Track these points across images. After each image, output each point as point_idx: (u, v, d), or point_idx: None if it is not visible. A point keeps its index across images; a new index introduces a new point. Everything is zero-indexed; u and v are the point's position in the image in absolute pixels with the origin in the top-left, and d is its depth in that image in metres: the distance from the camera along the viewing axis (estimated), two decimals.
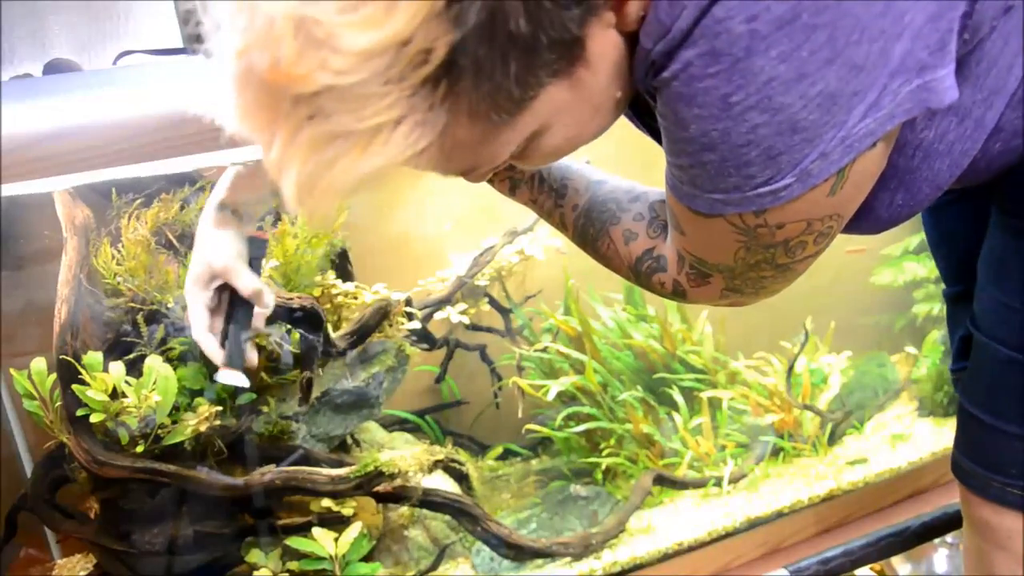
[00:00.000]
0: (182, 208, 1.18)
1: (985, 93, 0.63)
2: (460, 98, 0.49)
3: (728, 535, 1.46)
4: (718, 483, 1.56)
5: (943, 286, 1.02)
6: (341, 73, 0.45)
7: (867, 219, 0.68)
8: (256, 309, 0.94)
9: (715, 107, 0.52)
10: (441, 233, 1.54)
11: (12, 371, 1.11)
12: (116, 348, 1.14)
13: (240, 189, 0.92)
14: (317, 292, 1.27)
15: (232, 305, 0.93)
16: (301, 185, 0.49)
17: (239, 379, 0.92)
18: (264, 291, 0.92)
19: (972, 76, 0.61)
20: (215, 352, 0.92)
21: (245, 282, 0.90)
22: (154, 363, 1.09)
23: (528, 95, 0.52)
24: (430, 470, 1.31)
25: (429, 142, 0.49)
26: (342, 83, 0.45)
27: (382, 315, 1.31)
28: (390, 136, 0.47)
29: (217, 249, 0.90)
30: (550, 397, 1.55)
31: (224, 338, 0.92)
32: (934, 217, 0.98)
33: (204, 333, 0.91)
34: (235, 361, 0.92)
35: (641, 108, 0.74)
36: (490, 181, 0.83)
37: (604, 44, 0.54)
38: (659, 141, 0.76)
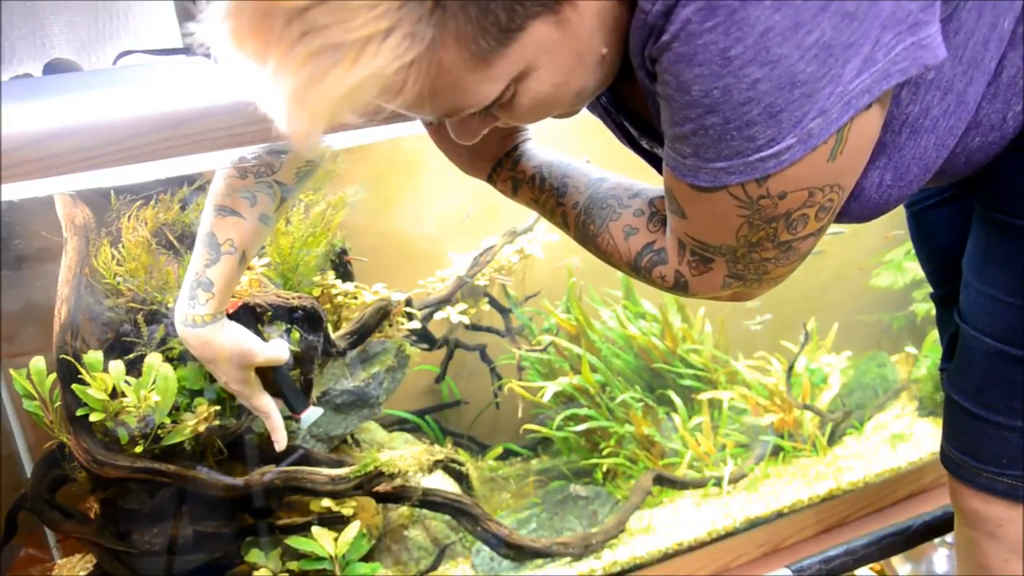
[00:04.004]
0: (182, 208, 1.18)
1: (965, 66, 0.64)
2: (448, 16, 0.51)
3: (728, 535, 1.46)
4: (718, 483, 1.56)
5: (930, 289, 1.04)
6: None
7: (857, 201, 0.68)
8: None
9: (715, 63, 0.53)
10: (441, 233, 1.54)
11: (12, 371, 1.11)
12: (116, 348, 1.14)
13: (219, 294, 0.97)
14: (317, 292, 1.27)
15: (271, 376, 1.05)
16: (293, 97, 0.50)
17: (315, 412, 1.07)
18: (279, 352, 1.03)
19: (951, 47, 0.61)
20: (290, 411, 1.06)
21: (270, 357, 1.02)
22: (154, 363, 1.09)
23: (515, 24, 0.54)
24: (430, 470, 1.31)
25: (417, 54, 0.51)
26: None
27: (382, 315, 1.31)
28: (379, 47, 0.49)
29: (235, 350, 0.98)
30: (546, 398, 1.55)
31: (279, 395, 1.05)
32: (917, 221, 1.00)
33: (275, 409, 1.04)
34: (301, 404, 1.06)
35: (623, 111, 0.74)
36: (492, 182, 0.83)
37: None
38: (639, 152, 0.77)
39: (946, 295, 0.96)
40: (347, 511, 1.24)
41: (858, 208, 0.69)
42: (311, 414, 1.06)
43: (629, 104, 0.74)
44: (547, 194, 0.80)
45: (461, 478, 1.41)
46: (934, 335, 1.78)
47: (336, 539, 1.21)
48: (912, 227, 1.01)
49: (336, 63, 0.49)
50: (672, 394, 1.63)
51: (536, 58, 0.57)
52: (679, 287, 0.72)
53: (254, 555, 1.21)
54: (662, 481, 1.53)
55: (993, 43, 0.64)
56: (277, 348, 1.03)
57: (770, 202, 0.60)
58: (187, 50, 1.12)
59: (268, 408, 1.03)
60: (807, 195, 0.60)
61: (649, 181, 0.76)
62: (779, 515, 1.50)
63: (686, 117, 0.56)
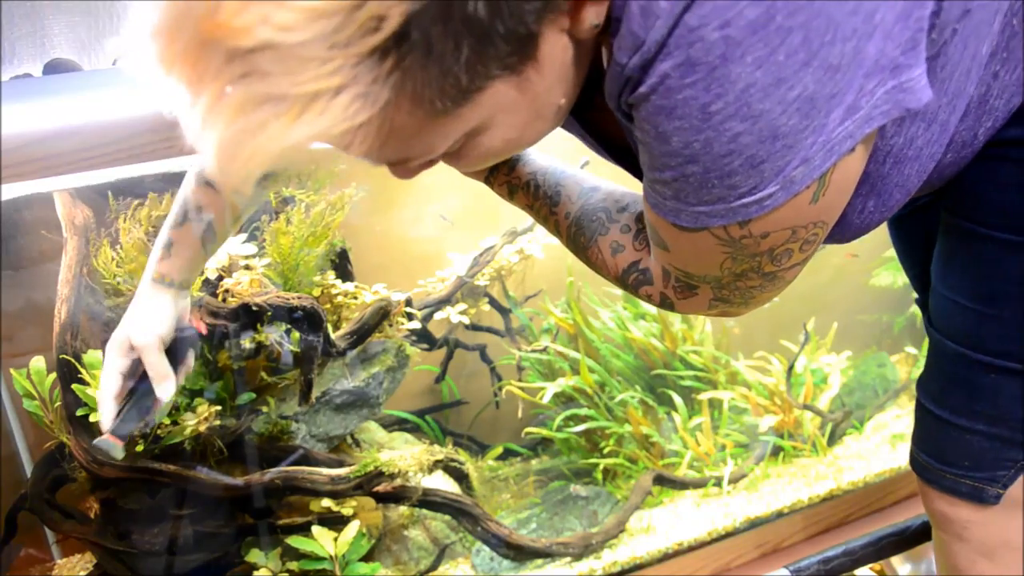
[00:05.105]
0: None
1: (949, 97, 0.63)
2: (406, 77, 0.47)
3: (728, 535, 1.46)
4: (718, 483, 1.56)
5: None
6: (285, 30, 0.42)
7: (839, 227, 0.68)
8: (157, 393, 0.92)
9: (695, 118, 0.51)
10: (441, 233, 1.54)
11: (12, 371, 1.11)
12: None
13: (178, 257, 0.92)
14: (317, 292, 1.27)
15: (143, 379, 0.92)
16: (223, 147, 0.46)
17: (116, 450, 0.91)
18: (168, 383, 0.90)
19: (937, 81, 0.61)
20: (107, 419, 0.91)
21: (153, 368, 0.90)
22: None
23: (475, 86, 0.50)
24: (430, 470, 1.31)
25: (368, 117, 0.47)
26: (284, 41, 0.42)
27: (382, 315, 1.31)
28: (327, 105, 0.44)
29: (143, 324, 0.90)
30: (545, 399, 1.55)
31: (122, 407, 0.91)
32: (898, 229, 1.00)
33: (108, 399, 0.91)
34: (120, 432, 0.91)
35: (600, 133, 0.73)
36: (490, 185, 0.83)
37: (555, 47, 0.53)
38: (621, 163, 0.76)
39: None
40: (347, 511, 1.24)
41: (839, 232, 0.69)
42: (105, 443, 0.91)
43: (599, 128, 0.73)
44: (541, 201, 0.79)
45: (461, 478, 1.41)
46: None
47: (336, 539, 1.21)
48: (893, 234, 1.02)
49: (276, 116, 0.44)
50: (672, 394, 1.63)
51: (492, 116, 0.54)
52: (665, 306, 0.72)
53: (254, 555, 1.21)
54: (662, 481, 1.54)
55: (974, 71, 0.64)
56: (164, 372, 0.90)
57: (752, 241, 0.59)
58: None
59: (102, 383, 0.91)
60: (790, 233, 0.60)
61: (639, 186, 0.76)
62: (779, 515, 1.50)
63: (666, 164, 0.55)
